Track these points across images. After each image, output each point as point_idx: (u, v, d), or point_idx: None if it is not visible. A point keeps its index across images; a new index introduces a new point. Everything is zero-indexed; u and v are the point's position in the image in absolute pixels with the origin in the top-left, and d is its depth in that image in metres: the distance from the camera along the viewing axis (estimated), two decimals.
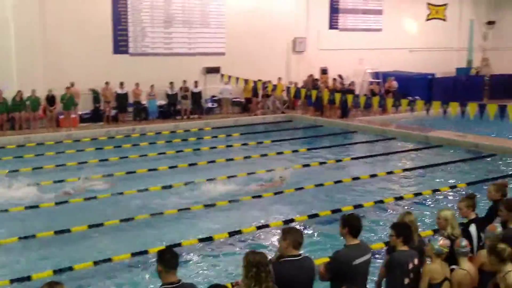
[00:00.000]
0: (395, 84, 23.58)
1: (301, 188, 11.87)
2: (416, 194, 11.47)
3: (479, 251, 5.63)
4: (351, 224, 4.96)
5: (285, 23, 23.95)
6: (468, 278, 5.18)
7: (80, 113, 19.78)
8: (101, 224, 9.56)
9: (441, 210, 5.94)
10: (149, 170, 13.50)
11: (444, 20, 29.29)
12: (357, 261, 4.86)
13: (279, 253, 4.73)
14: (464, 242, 5.25)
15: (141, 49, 21.32)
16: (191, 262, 8.17)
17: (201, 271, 7.88)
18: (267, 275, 4.19)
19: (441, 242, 5.23)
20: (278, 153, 15.62)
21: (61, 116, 19.16)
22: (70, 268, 7.74)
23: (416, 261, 5.20)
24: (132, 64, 20.87)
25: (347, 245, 4.99)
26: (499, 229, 5.42)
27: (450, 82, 26.07)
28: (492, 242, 5.09)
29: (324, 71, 25.24)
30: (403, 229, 5.28)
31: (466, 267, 5.23)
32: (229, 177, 12.75)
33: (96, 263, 7.96)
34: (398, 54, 26.85)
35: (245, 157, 15.05)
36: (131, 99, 20.43)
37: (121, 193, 11.48)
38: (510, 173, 13.31)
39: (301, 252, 4.73)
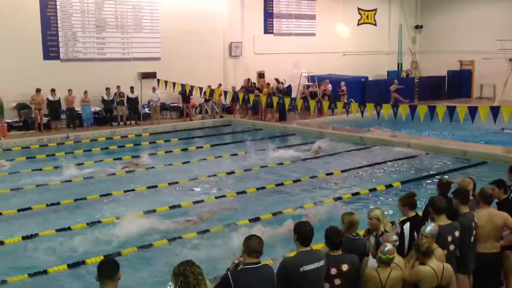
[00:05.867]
0: (329, 87, 24.08)
1: (243, 192, 11.86)
2: (354, 194, 11.69)
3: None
4: (300, 231, 4.92)
5: (220, 27, 23.99)
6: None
7: (9, 121, 18.95)
8: (36, 235, 9.18)
9: (371, 210, 5.93)
10: (85, 178, 13.12)
11: (374, 24, 30.24)
12: (306, 268, 4.78)
13: (236, 261, 4.65)
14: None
15: (72, 54, 20.72)
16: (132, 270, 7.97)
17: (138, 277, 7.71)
18: (198, 282, 4.09)
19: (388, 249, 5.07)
20: (217, 157, 15.54)
21: None
22: (3, 282, 7.39)
23: (345, 266, 5.02)
24: (64, 70, 20.27)
25: (297, 251, 4.96)
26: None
27: (382, 84, 26.94)
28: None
29: (261, 75, 25.46)
30: (333, 235, 5.13)
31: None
32: (170, 183, 12.61)
33: (31, 275, 7.63)
34: (332, 58, 27.49)
35: (184, 163, 14.88)
36: (64, 106, 19.79)
37: (58, 203, 11.04)
38: (442, 170, 13.85)
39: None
